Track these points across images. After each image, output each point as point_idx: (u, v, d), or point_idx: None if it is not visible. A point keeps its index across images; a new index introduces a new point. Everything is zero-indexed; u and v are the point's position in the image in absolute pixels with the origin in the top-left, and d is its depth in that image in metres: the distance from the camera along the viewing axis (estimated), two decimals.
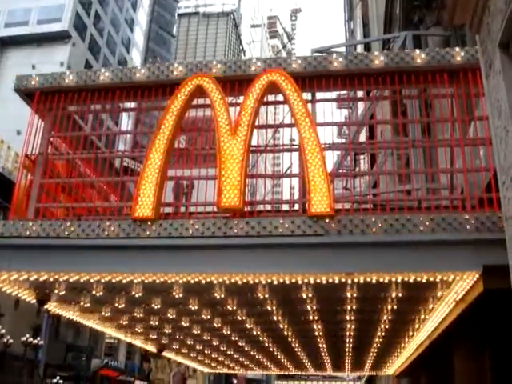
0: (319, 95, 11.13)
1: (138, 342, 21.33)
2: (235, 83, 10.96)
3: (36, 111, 11.77)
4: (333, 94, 11.70)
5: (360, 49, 35.20)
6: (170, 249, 9.84)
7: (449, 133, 10.40)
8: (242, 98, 10.62)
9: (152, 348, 22.18)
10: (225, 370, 32.62)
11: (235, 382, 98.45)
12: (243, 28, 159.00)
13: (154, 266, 9.97)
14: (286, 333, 16.99)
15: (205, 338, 18.61)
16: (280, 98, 10.95)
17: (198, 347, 21.50)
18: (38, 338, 51.29)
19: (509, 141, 7.49)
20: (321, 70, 10.80)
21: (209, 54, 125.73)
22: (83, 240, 10.07)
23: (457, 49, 10.55)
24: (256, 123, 10.57)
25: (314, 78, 10.89)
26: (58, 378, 58.88)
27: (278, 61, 11.09)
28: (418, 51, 10.75)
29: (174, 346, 21.39)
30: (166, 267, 9.97)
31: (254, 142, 10.82)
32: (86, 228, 10.12)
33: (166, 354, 24.38)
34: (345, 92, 12.00)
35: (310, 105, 10.74)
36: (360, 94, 13.09)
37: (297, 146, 10.41)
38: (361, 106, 18.35)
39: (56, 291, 11.88)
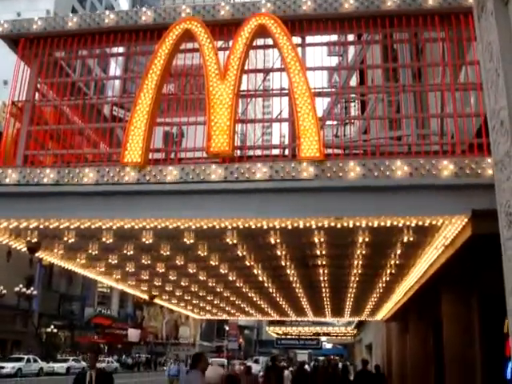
0: (309, 39, 10.98)
1: (130, 290, 21.49)
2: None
3: (22, 57, 11.57)
4: (323, 39, 11.54)
5: None
6: (166, 194, 9.84)
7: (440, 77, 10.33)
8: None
9: (144, 295, 22.35)
10: (217, 317, 33.01)
11: (227, 328, 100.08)
12: None
13: (137, 212, 9.98)
14: (291, 278, 17.18)
15: (184, 283, 18.84)
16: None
17: (178, 293, 21.70)
18: (32, 288, 51.83)
19: (500, 84, 7.44)
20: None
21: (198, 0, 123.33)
22: (74, 187, 10.04)
23: None
24: (246, 68, 10.45)
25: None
26: (52, 326, 59.81)
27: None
28: None
29: (167, 289, 21.57)
30: (158, 212, 9.99)
31: (243, 88, 10.71)
32: (75, 175, 10.08)
33: (158, 301, 24.61)
34: (335, 38, 11.84)
35: (300, 49, 10.59)
36: (351, 38, 12.89)
37: (287, 91, 10.31)
38: (351, 52, 18.10)
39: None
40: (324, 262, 14.30)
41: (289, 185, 9.38)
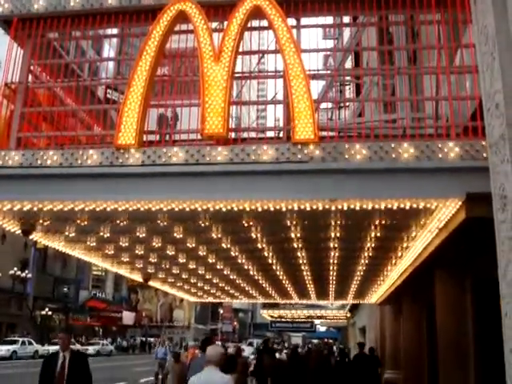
0: (304, 21, 10.92)
1: (125, 272, 21.55)
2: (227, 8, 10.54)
3: (14, 38, 11.46)
4: (319, 21, 11.48)
5: None
6: (154, 176, 9.78)
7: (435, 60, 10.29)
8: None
9: (138, 278, 22.40)
10: (212, 300, 33.09)
11: (221, 311, 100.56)
12: None
13: (137, 193, 9.91)
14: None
15: (192, 266, 18.84)
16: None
17: (184, 276, 21.75)
18: (26, 271, 51.90)
19: (495, 67, 7.43)
20: None
21: None
22: (67, 169, 10.00)
23: None
24: (240, 50, 10.38)
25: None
26: (46, 309, 59.98)
27: None
28: None
29: (165, 275, 21.61)
30: (151, 195, 9.91)
31: (238, 70, 10.64)
32: (69, 157, 10.04)
33: (152, 283, 24.66)
34: (331, 20, 11.77)
35: (295, 31, 10.51)
36: (346, 21, 12.80)
37: (281, 74, 10.27)
38: (346, 36, 18.06)
39: (41, 221, 11.93)
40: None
41: (279, 167, 9.36)
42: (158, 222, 11.58)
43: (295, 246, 14.51)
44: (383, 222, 10.94)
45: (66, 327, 52.08)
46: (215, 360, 6.85)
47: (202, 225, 11.49)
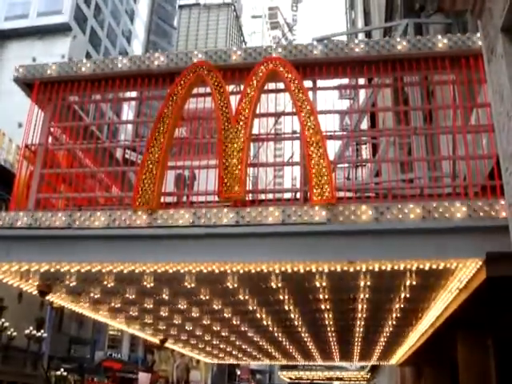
0: (320, 83, 11.04)
1: (141, 333, 21.30)
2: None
3: (36, 102, 11.71)
4: (334, 82, 11.64)
5: (361, 37, 34.97)
6: (171, 238, 9.81)
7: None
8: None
9: (155, 339, 22.14)
10: (230, 361, 32.49)
11: (239, 373, 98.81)
12: (244, 19, 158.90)
13: (146, 255, 9.95)
14: (295, 322, 16.87)
15: (214, 327, 18.57)
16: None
17: (202, 336, 21.42)
18: (42, 331, 51.49)
19: (511, 126, 7.43)
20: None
21: (210, 45, 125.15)
22: (85, 230, 10.04)
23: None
24: (257, 112, 10.50)
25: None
26: (61, 369, 59.23)
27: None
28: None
29: (177, 336, 21.31)
30: (165, 257, 9.95)
31: (255, 131, 10.76)
32: (87, 218, 10.09)
33: (169, 345, 24.34)
34: (346, 81, 11.93)
35: (311, 93, 10.64)
36: (361, 82, 12.95)
37: (298, 135, 10.34)
38: (362, 96, 18.23)
39: (60, 282, 11.90)
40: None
41: (296, 229, 9.32)
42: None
43: (322, 307, 14.26)
44: (403, 282, 10.77)
45: None
46: None
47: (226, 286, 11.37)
